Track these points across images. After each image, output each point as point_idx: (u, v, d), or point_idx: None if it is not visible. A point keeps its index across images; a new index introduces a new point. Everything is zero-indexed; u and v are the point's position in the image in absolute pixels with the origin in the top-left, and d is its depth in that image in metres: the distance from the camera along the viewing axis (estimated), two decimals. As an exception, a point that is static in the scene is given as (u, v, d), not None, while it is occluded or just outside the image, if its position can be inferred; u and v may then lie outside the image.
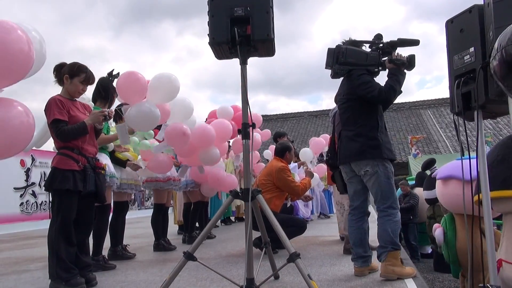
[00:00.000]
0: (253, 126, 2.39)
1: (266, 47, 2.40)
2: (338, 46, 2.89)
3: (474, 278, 2.33)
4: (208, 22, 2.37)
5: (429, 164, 4.67)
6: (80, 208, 2.92)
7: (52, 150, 3.63)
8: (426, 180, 4.37)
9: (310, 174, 4.73)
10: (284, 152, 4.55)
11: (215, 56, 2.50)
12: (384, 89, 2.85)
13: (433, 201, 4.35)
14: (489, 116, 2.28)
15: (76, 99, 3.10)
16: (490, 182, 2.03)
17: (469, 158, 2.09)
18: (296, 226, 4.19)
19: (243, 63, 2.38)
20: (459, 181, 2.76)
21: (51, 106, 2.86)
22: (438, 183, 3.06)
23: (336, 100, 4.24)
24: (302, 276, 2.06)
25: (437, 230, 3.01)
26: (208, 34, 2.37)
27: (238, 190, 2.40)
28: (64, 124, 2.85)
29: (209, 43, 2.38)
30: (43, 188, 4.02)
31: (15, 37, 2.27)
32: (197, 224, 6.38)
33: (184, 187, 5.34)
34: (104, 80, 3.62)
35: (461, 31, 2.17)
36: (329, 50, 2.92)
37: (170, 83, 3.70)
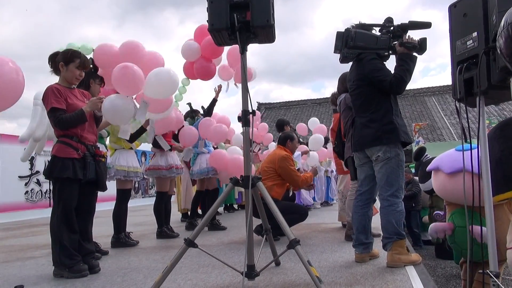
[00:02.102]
0: (253, 113, 2.38)
1: (266, 33, 2.37)
2: (347, 30, 2.83)
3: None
4: (207, 8, 2.34)
5: (419, 154, 4.56)
6: (81, 196, 2.94)
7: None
8: (420, 172, 4.30)
9: (314, 172, 4.73)
10: (286, 141, 4.57)
11: (215, 43, 2.48)
12: (395, 81, 2.78)
13: (430, 192, 4.30)
14: (492, 102, 2.26)
15: (74, 86, 3.09)
16: (504, 181, 1.99)
17: (477, 149, 2.07)
18: (297, 213, 4.21)
19: (243, 50, 2.35)
20: (469, 174, 2.58)
21: (48, 95, 2.87)
22: (444, 176, 2.91)
23: (340, 90, 4.21)
24: (302, 262, 2.07)
25: (478, 229, 2.84)
26: (207, 21, 2.34)
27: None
28: (62, 112, 2.85)
29: (208, 29, 2.35)
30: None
31: (8, 69, 2.67)
32: (200, 212, 6.45)
33: (205, 173, 5.32)
34: None
35: (464, 16, 2.13)
36: (338, 33, 2.86)
37: (170, 79, 3.60)
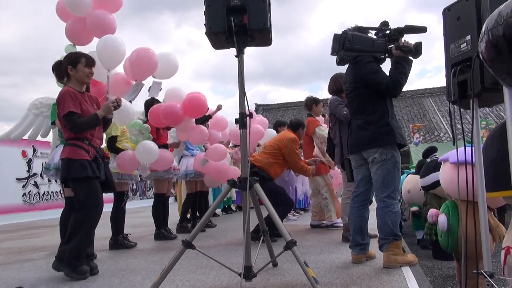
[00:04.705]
0: (250, 116, 2.40)
1: (262, 37, 2.40)
2: (344, 32, 2.84)
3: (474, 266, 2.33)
4: (204, 11, 2.36)
5: (429, 151, 4.61)
6: None
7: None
8: (423, 167, 4.33)
9: (313, 170, 4.81)
10: (298, 127, 4.70)
11: (212, 46, 2.50)
12: (391, 84, 2.82)
13: (428, 188, 4.35)
14: (485, 104, 2.28)
15: (84, 91, 3.08)
16: (498, 180, 2.02)
17: (471, 146, 2.10)
18: (284, 205, 4.21)
19: (240, 53, 2.38)
20: (470, 167, 2.64)
21: (66, 98, 2.85)
22: (449, 167, 2.99)
23: (331, 91, 4.24)
24: (299, 263, 2.09)
25: (441, 217, 3.00)
26: (204, 24, 2.36)
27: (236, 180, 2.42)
28: (78, 116, 2.86)
29: (205, 32, 2.38)
30: (45, 178, 4.07)
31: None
32: (197, 214, 6.46)
33: (184, 177, 5.38)
34: None
35: (458, 19, 2.16)
36: (335, 36, 2.87)
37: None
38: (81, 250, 2.86)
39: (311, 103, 5.01)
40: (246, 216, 2.31)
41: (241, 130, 2.40)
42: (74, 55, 3.02)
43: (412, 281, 2.44)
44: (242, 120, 2.38)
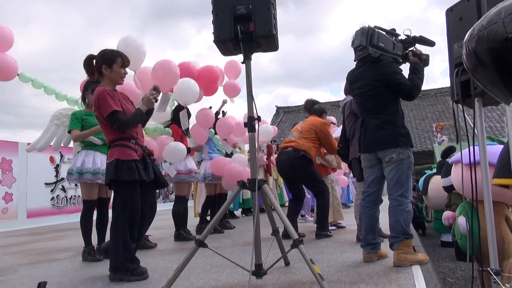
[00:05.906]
0: (259, 119, 2.49)
1: (268, 43, 2.49)
2: (371, 28, 2.86)
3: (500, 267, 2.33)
4: (212, 20, 2.48)
5: (448, 151, 4.55)
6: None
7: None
8: (444, 167, 4.30)
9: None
10: (322, 113, 4.90)
11: (221, 53, 2.60)
12: (414, 87, 2.90)
13: (450, 189, 4.28)
14: (490, 103, 2.31)
15: (117, 88, 3.03)
16: (508, 168, 2.04)
17: (474, 149, 2.13)
18: (324, 191, 4.52)
19: (247, 59, 2.48)
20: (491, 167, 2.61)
21: (106, 98, 2.76)
22: (464, 168, 2.97)
23: (347, 91, 4.27)
24: (305, 260, 2.17)
25: (461, 219, 2.99)
26: (212, 33, 2.48)
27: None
28: (122, 115, 2.79)
29: (214, 41, 2.49)
30: (72, 183, 4.30)
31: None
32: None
33: (202, 179, 5.51)
34: None
35: (460, 20, 2.20)
36: (363, 29, 2.87)
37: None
38: (131, 253, 2.84)
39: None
40: (255, 216, 2.40)
41: (250, 133, 2.50)
42: (110, 54, 2.91)
43: (420, 279, 2.46)
44: (251, 123, 2.48)
